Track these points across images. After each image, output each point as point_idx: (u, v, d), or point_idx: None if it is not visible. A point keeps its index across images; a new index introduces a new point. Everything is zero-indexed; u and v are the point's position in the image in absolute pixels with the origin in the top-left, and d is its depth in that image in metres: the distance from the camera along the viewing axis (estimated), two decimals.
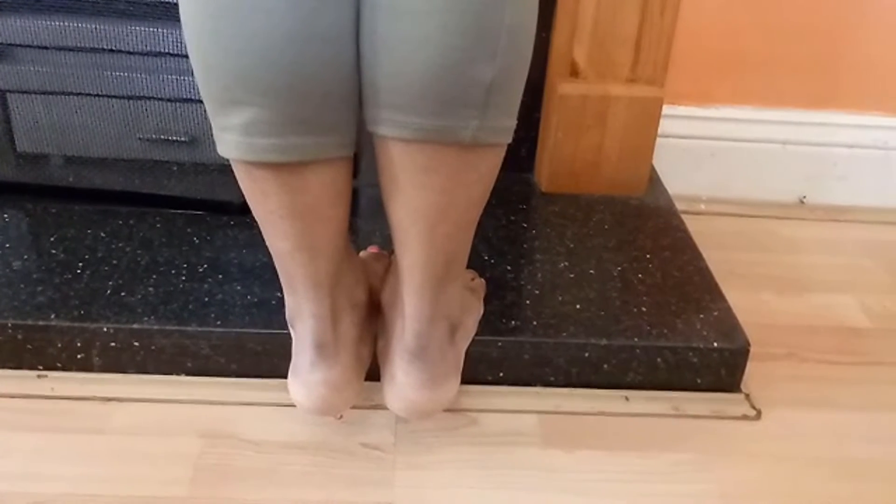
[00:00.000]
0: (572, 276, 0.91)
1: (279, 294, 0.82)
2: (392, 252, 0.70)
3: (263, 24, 0.54)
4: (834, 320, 0.98)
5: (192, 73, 0.62)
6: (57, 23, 0.93)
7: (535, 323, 0.83)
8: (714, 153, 1.23)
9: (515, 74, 0.60)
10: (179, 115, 0.97)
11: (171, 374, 0.82)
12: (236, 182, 0.64)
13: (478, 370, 0.82)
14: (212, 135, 0.61)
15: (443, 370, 0.71)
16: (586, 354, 0.82)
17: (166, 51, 0.94)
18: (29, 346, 0.81)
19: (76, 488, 0.70)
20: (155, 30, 0.93)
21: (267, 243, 0.66)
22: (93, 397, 0.79)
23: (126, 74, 0.95)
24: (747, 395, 0.84)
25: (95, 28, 0.93)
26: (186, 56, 0.64)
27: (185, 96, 0.96)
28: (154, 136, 0.98)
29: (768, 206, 1.25)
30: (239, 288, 0.85)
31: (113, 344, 0.80)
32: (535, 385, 0.83)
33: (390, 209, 0.64)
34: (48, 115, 0.98)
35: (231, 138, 0.59)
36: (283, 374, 0.73)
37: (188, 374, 0.82)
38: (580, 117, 1.04)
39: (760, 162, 1.24)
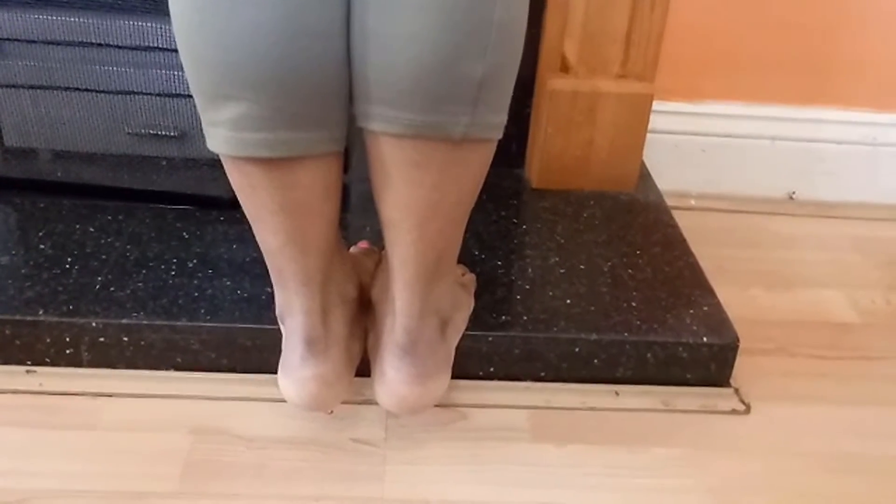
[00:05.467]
0: (562, 271, 0.91)
1: (269, 289, 0.82)
2: (382, 248, 0.70)
3: (251, 18, 0.54)
4: (823, 315, 0.99)
5: (182, 68, 0.62)
6: (45, 17, 0.92)
7: (525, 318, 0.83)
8: (704, 149, 1.24)
9: (506, 70, 0.60)
10: (168, 110, 0.97)
11: (160, 369, 0.82)
12: (226, 177, 0.63)
13: (468, 365, 0.82)
14: (201, 129, 0.61)
15: (433, 365, 0.71)
16: (576, 349, 0.82)
17: (155, 45, 0.94)
18: (17, 342, 0.80)
19: (65, 484, 0.69)
20: (144, 24, 0.92)
21: (257, 238, 0.66)
22: (82, 393, 0.79)
23: (115, 69, 0.94)
24: (737, 390, 0.84)
25: (84, 22, 0.92)
26: (175, 50, 0.64)
27: (174, 91, 0.96)
28: (143, 130, 0.98)
29: (758, 202, 1.26)
30: (229, 283, 0.85)
31: (102, 339, 0.80)
32: (525, 380, 0.83)
33: (381, 205, 0.64)
34: (36, 110, 0.97)
35: (220, 133, 0.59)
36: (274, 370, 0.73)
37: (178, 369, 0.82)
38: (570, 113, 1.04)
39: (750, 158, 1.24)
